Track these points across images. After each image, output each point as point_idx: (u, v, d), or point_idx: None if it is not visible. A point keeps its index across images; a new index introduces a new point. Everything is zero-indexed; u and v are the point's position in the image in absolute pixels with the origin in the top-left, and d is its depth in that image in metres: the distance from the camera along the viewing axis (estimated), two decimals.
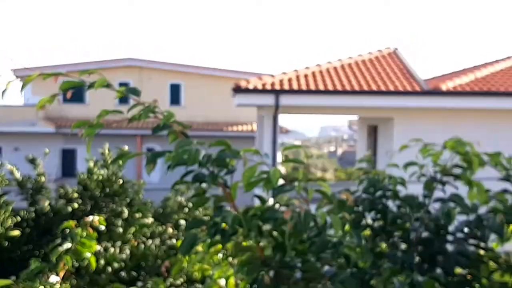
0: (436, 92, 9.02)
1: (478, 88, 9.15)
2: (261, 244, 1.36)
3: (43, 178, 3.44)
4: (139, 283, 2.75)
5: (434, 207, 1.57)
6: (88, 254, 1.99)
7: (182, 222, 3.80)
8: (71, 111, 17.59)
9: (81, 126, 1.25)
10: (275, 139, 9.31)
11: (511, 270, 1.50)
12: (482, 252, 1.53)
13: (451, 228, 1.54)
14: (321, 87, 9.06)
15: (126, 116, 1.27)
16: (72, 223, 1.99)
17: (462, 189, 1.57)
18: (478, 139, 1.58)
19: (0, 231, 2.87)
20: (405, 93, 8.97)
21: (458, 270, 1.49)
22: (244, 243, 1.43)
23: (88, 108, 17.37)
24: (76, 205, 3.22)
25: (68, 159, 16.98)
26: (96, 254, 2.55)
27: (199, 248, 1.88)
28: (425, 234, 1.54)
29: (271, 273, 1.31)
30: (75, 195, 3.28)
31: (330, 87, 9.05)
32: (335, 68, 10.17)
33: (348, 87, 9.05)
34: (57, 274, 1.94)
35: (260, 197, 1.40)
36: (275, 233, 1.33)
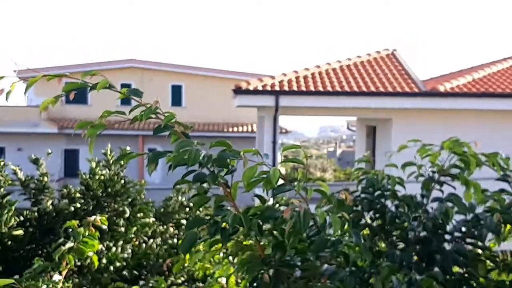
0: (434, 93, 9.08)
1: (475, 89, 9.22)
2: (261, 243, 1.38)
3: (46, 178, 3.47)
4: (141, 282, 2.77)
5: (432, 206, 1.59)
6: (90, 253, 2.01)
7: (183, 221, 3.83)
8: (74, 112, 17.66)
9: (84, 126, 1.27)
10: (275, 139, 9.37)
11: (508, 269, 1.52)
12: (479, 251, 1.54)
13: (448, 227, 1.56)
14: (321, 88, 9.12)
15: (128, 117, 1.30)
16: (74, 222, 2.01)
17: (459, 189, 1.58)
18: (475, 139, 1.60)
19: (4, 230, 2.89)
20: (403, 94, 9.03)
21: (456, 269, 1.51)
22: (244, 242, 1.45)
23: (91, 109, 17.44)
24: (78, 205, 3.24)
25: (70, 159, 17.04)
26: (98, 253, 2.58)
27: (200, 247, 1.90)
28: (423, 233, 1.56)
29: (271, 271, 1.33)
30: (78, 195, 3.30)
31: (329, 88, 9.11)
32: (334, 70, 10.24)
33: (347, 88, 9.12)
34: (60, 273, 1.96)
35: (260, 197, 1.42)
36: (275, 232, 1.35)
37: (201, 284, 2.53)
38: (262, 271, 1.32)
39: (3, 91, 1.20)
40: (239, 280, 2.00)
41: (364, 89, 9.13)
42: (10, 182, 3.19)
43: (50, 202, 3.38)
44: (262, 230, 1.32)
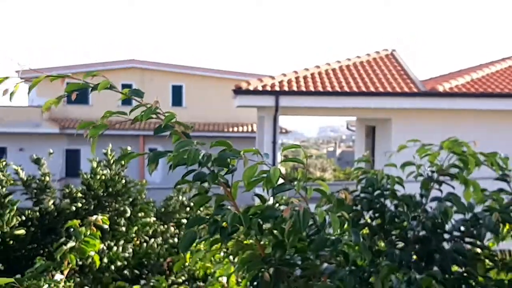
0: (433, 93, 9.11)
1: (474, 89, 9.27)
2: (262, 242, 1.38)
3: (47, 178, 3.48)
4: (142, 281, 2.79)
5: (431, 206, 1.60)
6: (92, 253, 2.02)
7: (184, 221, 3.84)
8: (75, 112, 17.70)
9: (86, 127, 1.28)
10: (275, 139, 9.40)
11: (507, 268, 1.53)
12: (478, 250, 1.55)
13: (448, 227, 1.57)
14: (320, 89, 9.16)
15: (129, 117, 1.31)
16: (76, 222, 2.02)
17: (458, 189, 1.59)
18: (474, 139, 1.61)
19: (6, 230, 2.91)
20: (403, 94, 9.07)
21: (455, 268, 1.52)
22: (245, 242, 1.46)
23: (92, 109, 17.47)
24: (80, 205, 3.26)
25: (72, 159, 17.08)
26: (100, 253, 2.59)
27: (201, 246, 1.91)
28: (422, 232, 1.56)
29: (271, 270, 1.34)
30: (79, 194, 3.32)
31: (329, 89, 9.15)
32: (333, 70, 10.28)
33: (346, 89, 9.16)
34: (62, 272, 1.97)
35: (260, 196, 1.43)
36: (275, 231, 1.36)
37: (201, 283, 2.54)
38: (263, 270, 1.33)
39: (7, 92, 1.21)
40: (240, 280, 2.01)
41: (364, 89, 9.16)
42: (12, 182, 3.20)
43: (51, 201, 3.39)
44: (262, 229, 1.33)
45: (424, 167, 1.63)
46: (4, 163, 3.25)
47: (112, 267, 2.87)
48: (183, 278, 2.66)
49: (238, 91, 9.22)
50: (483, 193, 1.53)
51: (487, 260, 1.53)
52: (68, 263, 1.97)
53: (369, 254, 1.30)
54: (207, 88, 18.67)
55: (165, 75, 18.79)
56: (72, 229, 2.01)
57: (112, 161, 3.56)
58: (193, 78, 18.90)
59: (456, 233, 1.57)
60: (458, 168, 1.55)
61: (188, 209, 4.06)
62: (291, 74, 9.89)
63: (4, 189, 3.03)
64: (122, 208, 3.34)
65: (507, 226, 1.54)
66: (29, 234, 3.08)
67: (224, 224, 1.29)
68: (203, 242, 1.42)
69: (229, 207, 1.35)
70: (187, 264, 2.36)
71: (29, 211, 3.26)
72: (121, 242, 3.15)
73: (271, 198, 1.38)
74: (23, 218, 3.17)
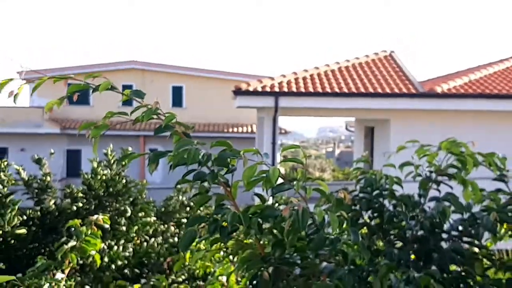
0: (431, 94, 9.14)
1: (472, 90, 9.30)
2: (261, 241, 1.40)
3: (48, 178, 3.50)
4: (143, 280, 2.80)
5: (429, 206, 1.61)
6: (92, 252, 2.03)
7: (184, 220, 3.86)
8: (76, 113, 17.73)
9: (88, 127, 1.29)
10: (275, 140, 9.43)
11: (504, 267, 1.54)
12: (476, 249, 1.56)
13: (446, 226, 1.58)
14: (319, 90, 9.20)
15: (130, 118, 1.32)
16: (77, 221, 2.03)
17: (456, 189, 1.61)
18: (472, 140, 1.62)
19: (7, 229, 2.92)
20: (401, 95, 9.11)
21: (453, 267, 1.53)
22: (245, 241, 1.47)
23: (92, 110, 17.50)
24: (80, 204, 3.27)
25: (72, 159, 17.10)
26: (100, 252, 2.60)
27: (201, 246, 1.93)
28: (420, 232, 1.58)
29: (271, 269, 1.35)
30: (80, 194, 3.33)
31: (328, 90, 9.19)
32: (332, 71, 10.31)
33: (345, 89, 9.20)
34: (63, 272, 1.99)
35: (260, 196, 1.44)
36: (274, 230, 1.37)
37: (201, 283, 2.55)
38: (262, 269, 1.34)
39: (12, 93, 1.22)
40: (239, 279, 2.02)
41: (362, 90, 9.19)
42: (13, 181, 3.22)
43: (52, 201, 3.41)
44: (261, 229, 1.34)
45: (422, 168, 1.64)
46: (5, 163, 3.27)
47: (113, 266, 2.88)
48: (183, 277, 2.67)
49: (238, 92, 9.25)
50: (481, 193, 1.54)
51: (485, 260, 1.54)
52: (69, 262, 1.99)
53: (368, 253, 1.31)
54: (207, 89, 18.70)
55: (165, 76, 18.81)
56: (73, 229, 2.03)
57: (112, 161, 3.57)
58: (193, 79, 18.93)
59: (454, 233, 1.58)
60: (456, 169, 1.56)
61: (188, 208, 4.07)
62: (291, 75, 9.92)
63: (5, 189, 3.05)
64: (122, 208, 3.35)
65: (505, 226, 1.55)
66: (30, 234, 3.10)
67: (224, 223, 1.30)
68: (203, 241, 1.43)
69: (229, 206, 1.36)
70: (187, 263, 2.37)
71: (31, 211, 3.28)
72: (122, 241, 3.17)
73: (270, 198, 1.39)
74: (25, 217, 3.19)
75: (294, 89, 9.30)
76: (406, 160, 1.65)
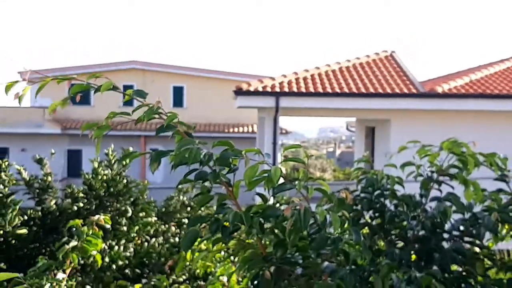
0: (432, 94, 9.15)
1: (473, 90, 9.30)
2: (263, 241, 1.40)
3: (49, 178, 3.50)
4: (143, 280, 2.80)
5: (431, 206, 1.61)
6: (93, 252, 2.03)
7: (185, 220, 3.86)
8: (77, 113, 17.76)
9: (90, 127, 1.30)
10: (275, 140, 9.43)
11: (505, 267, 1.54)
12: (477, 249, 1.56)
13: (447, 226, 1.58)
14: (320, 90, 9.21)
15: (131, 118, 1.32)
16: (78, 221, 2.03)
17: (458, 189, 1.61)
18: (473, 140, 1.62)
19: (8, 229, 2.92)
20: (402, 95, 9.12)
21: (454, 267, 1.53)
22: (247, 241, 1.47)
23: (93, 110, 17.52)
24: (81, 204, 3.28)
25: (73, 160, 17.12)
26: (101, 252, 2.61)
27: (202, 246, 1.93)
28: (422, 232, 1.58)
29: (272, 269, 1.35)
30: (81, 194, 3.34)
31: (329, 90, 9.20)
32: (333, 71, 10.32)
33: (346, 90, 9.20)
34: (64, 272, 1.99)
35: (261, 195, 1.44)
36: (276, 230, 1.37)
37: (202, 282, 2.55)
38: (264, 268, 1.34)
39: (18, 95, 1.23)
40: (240, 279, 2.02)
41: (363, 90, 9.20)
42: (14, 181, 3.22)
43: (53, 201, 3.41)
44: (263, 228, 1.34)
45: (423, 168, 1.64)
46: (6, 163, 3.27)
47: (114, 266, 2.88)
48: (184, 277, 2.67)
49: (238, 92, 9.26)
50: (483, 193, 1.54)
51: (486, 260, 1.54)
52: (70, 262, 1.99)
53: (369, 253, 1.31)
54: (208, 89, 18.72)
55: (166, 76, 18.83)
56: (74, 229, 2.03)
57: (113, 161, 3.58)
58: (194, 79, 18.95)
59: (455, 233, 1.59)
60: (457, 169, 1.57)
61: (189, 208, 4.08)
62: (291, 75, 9.93)
63: (6, 189, 3.05)
64: (123, 208, 3.35)
65: (506, 226, 1.55)
66: (31, 234, 3.10)
67: (225, 223, 1.30)
68: (204, 241, 1.43)
69: (230, 206, 1.37)
70: (188, 263, 2.37)
71: (31, 211, 3.28)
72: (123, 241, 3.17)
73: (272, 198, 1.39)
74: (26, 217, 3.19)
75: (295, 89, 9.31)
76: (407, 160, 1.65)
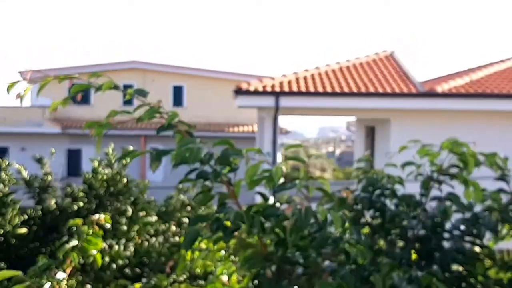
0: (431, 94, 9.16)
1: (473, 90, 9.31)
2: (264, 240, 1.40)
3: (49, 177, 3.50)
4: (143, 280, 2.80)
5: (431, 205, 1.61)
6: (94, 251, 2.03)
7: (185, 220, 3.86)
8: (77, 112, 17.76)
9: (91, 126, 1.30)
10: (275, 139, 9.44)
11: (506, 267, 1.54)
12: (478, 249, 1.57)
13: (447, 225, 1.58)
14: (320, 89, 9.21)
15: (131, 117, 1.32)
16: (78, 221, 2.03)
17: (458, 189, 1.61)
18: (473, 140, 1.63)
19: (8, 229, 2.93)
20: (402, 95, 9.13)
21: (455, 266, 1.53)
22: (247, 240, 1.47)
23: (93, 109, 17.52)
24: (81, 204, 3.28)
25: (73, 159, 17.14)
26: (102, 251, 2.61)
27: (203, 245, 1.93)
28: (422, 231, 1.58)
29: (273, 268, 1.35)
30: (81, 194, 3.34)
31: (329, 89, 9.20)
32: (333, 71, 10.33)
33: (346, 89, 9.21)
34: (64, 271, 1.99)
35: (262, 194, 1.44)
36: (277, 229, 1.37)
37: (202, 282, 2.55)
38: (264, 267, 1.34)
39: (19, 95, 1.23)
40: (241, 278, 2.03)
41: (363, 90, 9.20)
42: (14, 181, 3.22)
43: (53, 201, 3.41)
44: (264, 228, 1.34)
45: (424, 167, 1.64)
46: (6, 162, 3.27)
47: (114, 265, 2.88)
48: (184, 276, 2.67)
49: (238, 91, 9.26)
50: (483, 193, 1.54)
51: (486, 259, 1.54)
52: (71, 262, 1.98)
53: (369, 252, 1.31)
54: (208, 89, 18.73)
55: (166, 76, 18.84)
56: (74, 228, 2.03)
57: (113, 161, 3.58)
58: (194, 78, 18.96)
59: (456, 232, 1.59)
60: (458, 168, 1.57)
61: (189, 208, 4.07)
62: (291, 75, 9.94)
63: (6, 188, 3.05)
64: (123, 207, 3.35)
65: (507, 226, 1.55)
66: (31, 233, 3.10)
67: (226, 222, 1.30)
68: (204, 240, 1.44)
69: (231, 205, 1.37)
70: (188, 262, 2.37)
71: (31, 210, 3.28)
72: (123, 241, 3.17)
73: (272, 197, 1.39)
74: (26, 217, 3.19)
75: (294, 88, 9.31)
76: (407, 160, 1.65)
